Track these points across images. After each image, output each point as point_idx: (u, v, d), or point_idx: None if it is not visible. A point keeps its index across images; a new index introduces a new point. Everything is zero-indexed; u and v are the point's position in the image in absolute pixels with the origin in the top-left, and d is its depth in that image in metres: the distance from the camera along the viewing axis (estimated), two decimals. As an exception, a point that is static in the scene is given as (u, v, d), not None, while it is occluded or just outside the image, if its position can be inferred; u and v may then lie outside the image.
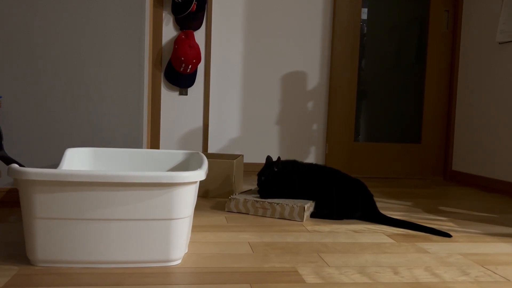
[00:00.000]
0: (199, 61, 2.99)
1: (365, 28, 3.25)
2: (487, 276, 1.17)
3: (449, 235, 1.56)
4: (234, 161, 2.14)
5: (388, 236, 1.54)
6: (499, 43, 2.76)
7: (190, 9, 2.92)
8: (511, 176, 2.63)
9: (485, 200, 2.40)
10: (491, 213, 2.03)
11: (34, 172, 1.04)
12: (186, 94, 3.10)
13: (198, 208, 1.90)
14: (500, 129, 2.74)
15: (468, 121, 3.07)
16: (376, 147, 3.25)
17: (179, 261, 1.16)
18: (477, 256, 1.35)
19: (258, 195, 1.90)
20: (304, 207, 1.71)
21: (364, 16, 3.24)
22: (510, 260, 1.31)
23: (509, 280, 1.14)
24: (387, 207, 2.07)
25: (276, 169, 1.91)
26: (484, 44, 2.92)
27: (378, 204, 2.10)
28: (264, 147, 3.20)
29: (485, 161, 2.87)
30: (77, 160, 1.51)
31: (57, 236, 1.08)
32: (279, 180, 1.90)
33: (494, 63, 2.82)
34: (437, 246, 1.44)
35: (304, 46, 3.20)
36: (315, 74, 3.22)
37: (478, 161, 2.94)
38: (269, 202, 1.77)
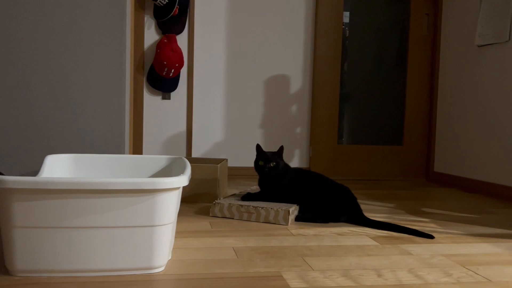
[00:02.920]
0: (182, 65, 2.98)
1: (347, 31, 3.27)
2: (469, 276, 1.18)
3: (431, 237, 1.58)
4: (218, 165, 2.13)
5: (372, 238, 1.55)
6: (478, 46, 2.81)
7: (172, 13, 2.91)
8: (491, 177, 2.67)
9: (467, 200, 2.44)
10: (472, 214, 2.05)
11: (12, 180, 1.01)
12: (169, 98, 3.09)
13: (182, 213, 1.88)
14: (480, 131, 2.79)
15: (449, 123, 3.11)
16: (359, 150, 3.28)
17: (162, 268, 1.15)
18: (459, 256, 1.36)
19: (242, 199, 1.90)
20: (289, 211, 1.71)
21: (346, 19, 3.26)
22: (491, 260, 1.33)
23: (490, 280, 1.16)
24: (371, 209, 2.08)
25: (283, 161, 1.90)
26: (463, 47, 2.97)
27: (362, 206, 2.11)
28: (248, 151, 3.19)
29: (466, 162, 2.92)
30: (58, 167, 1.48)
31: (37, 245, 1.06)
32: (282, 174, 1.89)
33: (473, 65, 2.86)
34: (420, 247, 1.45)
35: (287, 50, 3.21)
36: (298, 78, 3.23)
37: (459, 163, 2.99)
38: (253, 207, 1.77)
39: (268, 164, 1.85)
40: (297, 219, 1.79)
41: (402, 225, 1.67)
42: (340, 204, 1.79)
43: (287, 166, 1.93)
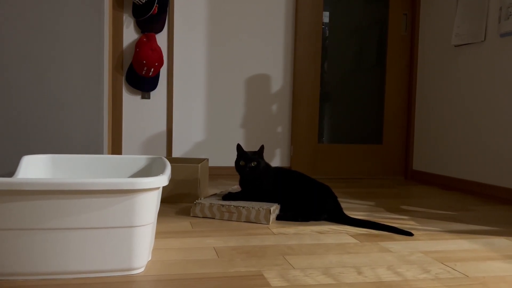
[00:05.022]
0: (161, 64, 2.95)
1: (327, 31, 3.29)
2: (446, 272, 1.20)
3: (411, 234, 1.60)
4: (199, 165, 2.12)
5: (352, 236, 1.56)
6: (455, 46, 2.86)
7: (151, 11, 2.88)
8: (468, 175, 2.72)
9: (445, 198, 2.48)
10: (450, 211, 2.09)
11: (-14, 181, 0.99)
12: (148, 97, 3.06)
13: (162, 213, 1.87)
14: (457, 130, 2.84)
15: (426, 122, 3.16)
16: (339, 149, 3.30)
17: (142, 269, 1.14)
18: (437, 253, 1.38)
19: (223, 199, 1.89)
20: (270, 210, 1.72)
21: (326, 19, 3.28)
22: (468, 256, 1.36)
23: (467, 276, 1.18)
24: (351, 207, 2.10)
25: (262, 161, 1.88)
26: (441, 47, 3.01)
27: (342, 205, 2.12)
28: (229, 150, 3.19)
29: (443, 160, 2.97)
30: (34, 168, 1.45)
31: (12, 248, 1.04)
32: (263, 174, 1.88)
33: (450, 65, 2.91)
34: (399, 244, 1.47)
35: (268, 49, 3.21)
36: (278, 77, 3.23)
37: (437, 161, 3.04)
38: (235, 206, 1.76)
39: (249, 164, 1.85)
40: (279, 218, 1.79)
41: (382, 223, 1.69)
42: (321, 203, 1.80)
43: (268, 165, 1.94)
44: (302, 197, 1.81)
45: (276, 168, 1.97)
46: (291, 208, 1.82)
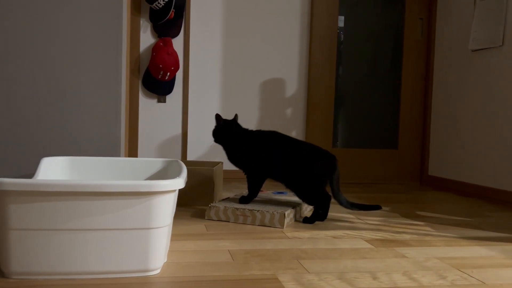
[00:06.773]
0: (177, 68, 2.98)
1: (342, 35, 3.29)
2: (463, 279, 1.19)
3: (379, 207, 1.86)
4: (214, 168, 2.14)
5: (367, 241, 1.56)
6: (472, 51, 2.83)
7: (168, 16, 2.91)
8: (485, 180, 2.69)
9: (461, 204, 2.45)
10: (466, 217, 2.07)
11: (8, 182, 1.01)
12: (164, 101, 3.09)
13: (177, 216, 1.88)
14: (474, 135, 2.81)
15: (443, 127, 3.13)
16: (354, 153, 3.29)
17: (158, 271, 1.15)
18: (454, 259, 1.37)
19: (239, 202, 1.90)
20: (285, 214, 1.72)
21: (341, 24, 3.28)
22: (485, 263, 1.34)
23: (484, 283, 1.17)
24: (366, 213, 2.08)
25: (216, 124, 2.00)
26: (458, 51, 2.99)
27: (357, 210, 2.12)
28: (244, 154, 3.19)
29: (460, 166, 2.94)
30: (53, 170, 1.48)
31: (32, 248, 1.06)
32: (221, 136, 1.99)
33: (467, 70, 2.89)
34: (414, 250, 1.46)
35: (283, 54, 3.22)
36: (293, 81, 3.24)
37: (453, 166, 3.00)
38: (249, 210, 1.77)
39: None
40: (305, 221, 1.83)
41: (361, 203, 1.89)
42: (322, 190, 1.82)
43: (241, 130, 1.99)
44: (304, 182, 1.82)
45: (263, 131, 1.98)
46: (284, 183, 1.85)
